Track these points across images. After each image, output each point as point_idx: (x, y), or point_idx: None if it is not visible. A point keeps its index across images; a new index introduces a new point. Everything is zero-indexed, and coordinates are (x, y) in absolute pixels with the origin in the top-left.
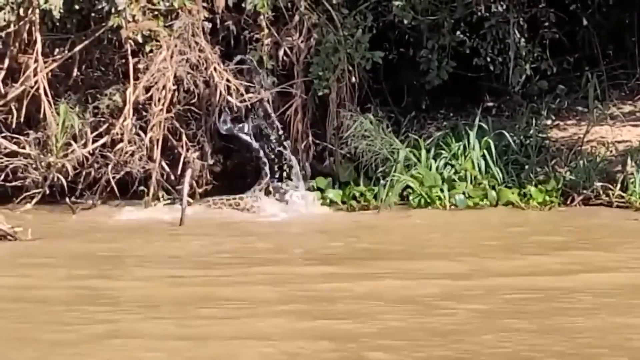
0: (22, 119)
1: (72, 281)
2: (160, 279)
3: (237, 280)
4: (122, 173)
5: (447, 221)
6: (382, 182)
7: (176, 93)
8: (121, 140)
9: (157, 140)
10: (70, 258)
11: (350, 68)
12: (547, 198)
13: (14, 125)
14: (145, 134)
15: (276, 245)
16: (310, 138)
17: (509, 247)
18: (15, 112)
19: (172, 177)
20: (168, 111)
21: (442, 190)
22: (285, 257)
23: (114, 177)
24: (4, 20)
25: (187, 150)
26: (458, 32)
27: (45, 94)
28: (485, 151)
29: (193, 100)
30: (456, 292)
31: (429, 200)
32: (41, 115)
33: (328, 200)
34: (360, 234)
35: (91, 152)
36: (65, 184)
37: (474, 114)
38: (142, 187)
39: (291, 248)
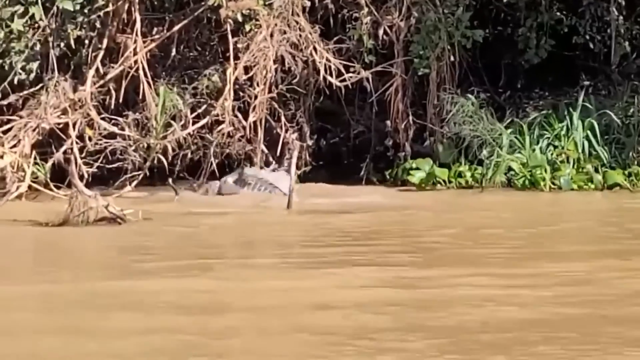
0: (120, 100)
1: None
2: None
3: None
4: (223, 155)
5: None
6: (486, 162)
7: (274, 73)
8: (221, 122)
9: (260, 122)
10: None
11: (449, 47)
12: None
13: (112, 107)
14: (243, 114)
15: None
16: (411, 118)
17: None
18: (113, 93)
19: (270, 159)
20: (269, 91)
21: (546, 172)
22: None
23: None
24: None
25: (286, 131)
26: (555, 10)
27: (145, 75)
28: (588, 131)
29: (294, 81)
30: None
31: (532, 182)
32: (140, 97)
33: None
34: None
35: (191, 133)
36: (166, 165)
37: (569, 93)
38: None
39: None
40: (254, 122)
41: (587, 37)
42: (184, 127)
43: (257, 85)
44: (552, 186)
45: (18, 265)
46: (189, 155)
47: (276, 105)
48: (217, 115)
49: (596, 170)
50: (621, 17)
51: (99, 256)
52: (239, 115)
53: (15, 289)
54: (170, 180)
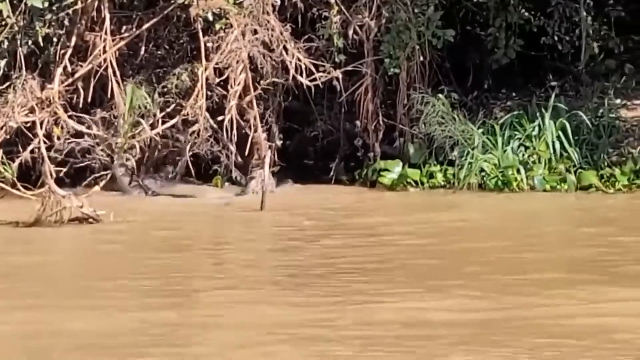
0: (88, 99)
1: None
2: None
3: None
4: (189, 154)
5: None
6: (457, 163)
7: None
8: (189, 122)
9: (231, 122)
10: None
11: (419, 47)
12: (632, 180)
13: (80, 105)
14: (211, 114)
15: None
16: (380, 118)
17: None
18: (81, 91)
19: (239, 159)
20: (244, 92)
21: (518, 172)
22: None
23: (179, 159)
24: None
25: (255, 131)
26: (523, 10)
27: (114, 73)
28: (560, 132)
29: (267, 81)
30: None
31: (505, 182)
32: (108, 95)
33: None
34: None
35: (160, 133)
36: (134, 165)
37: (536, 93)
38: (213, 169)
39: None
40: (224, 122)
41: (556, 37)
42: (153, 126)
43: (231, 86)
44: (525, 187)
45: None
46: (156, 155)
47: (245, 105)
48: (187, 114)
49: (567, 171)
50: (589, 18)
51: None
52: (207, 115)
53: None
54: (140, 180)
